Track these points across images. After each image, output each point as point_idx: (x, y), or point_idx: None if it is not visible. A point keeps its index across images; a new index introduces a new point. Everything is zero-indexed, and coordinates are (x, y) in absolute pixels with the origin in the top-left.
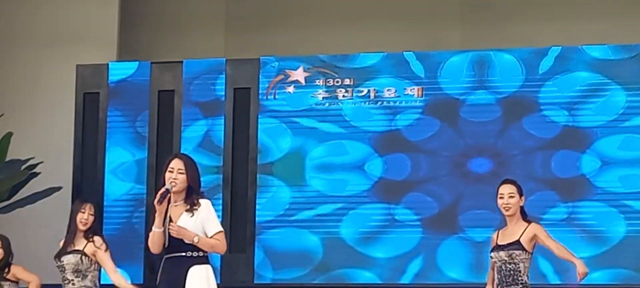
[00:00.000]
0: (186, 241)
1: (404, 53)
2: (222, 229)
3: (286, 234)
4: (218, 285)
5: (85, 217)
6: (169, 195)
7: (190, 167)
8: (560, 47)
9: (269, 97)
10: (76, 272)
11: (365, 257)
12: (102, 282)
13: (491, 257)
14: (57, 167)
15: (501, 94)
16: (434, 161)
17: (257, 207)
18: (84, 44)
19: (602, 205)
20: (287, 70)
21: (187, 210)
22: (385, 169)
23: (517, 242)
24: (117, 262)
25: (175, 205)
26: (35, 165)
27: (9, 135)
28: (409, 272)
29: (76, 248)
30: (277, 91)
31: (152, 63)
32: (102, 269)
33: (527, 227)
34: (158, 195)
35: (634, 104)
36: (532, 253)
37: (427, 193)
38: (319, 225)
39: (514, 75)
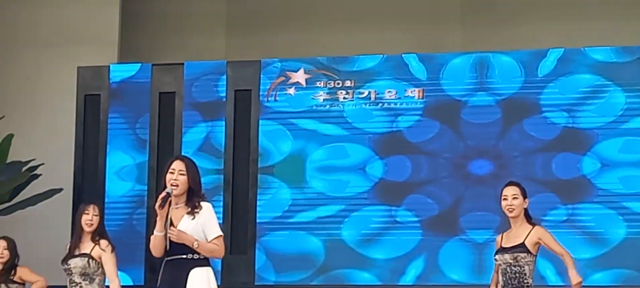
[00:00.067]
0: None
1: (406, 55)
2: (221, 233)
3: (288, 237)
4: (219, 286)
5: (89, 218)
6: (170, 199)
7: (191, 168)
8: (563, 49)
9: (269, 98)
10: (83, 275)
11: (365, 258)
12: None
13: (496, 260)
14: (58, 169)
15: (501, 96)
16: (435, 163)
17: (257, 207)
18: (85, 46)
19: (603, 207)
20: (288, 72)
21: (188, 213)
22: (385, 171)
23: (522, 244)
24: (118, 262)
25: (177, 208)
26: (36, 167)
27: (10, 136)
28: (410, 273)
29: (83, 251)
30: (278, 93)
31: (153, 65)
32: None
33: (531, 229)
34: (159, 200)
35: (633, 105)
36: (536, 256)
37: (428, 194)
38: (321, 227)
39: (513, 77)
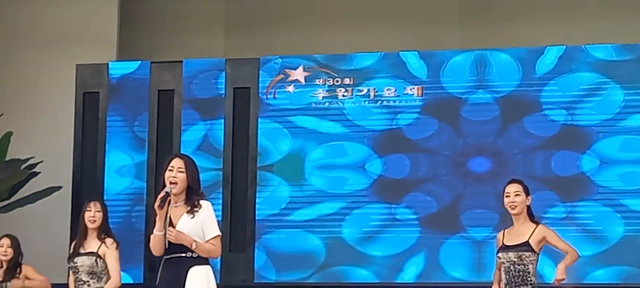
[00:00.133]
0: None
1: (406, 52)
2: (219, 233)
3: (288, 236)
4: (218, 285)
5: (92, 214)
6: (169, 198)
7: (191, 166)
8: (564, 47)
9: (268, 96)
10: (91, 273)
11: (364, 256)
12: None
13: (499, 258)
14: (57, 167)
15: (499, 93)
16: (434, 160)
17: (256, 204)
18: (84, 45)
19: (602, 205)
20: (287, 70)
21: (187, 212)
22: (385, 169)
23: (526, 243)
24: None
25: (176, 206)
26: (35, 165)
27: (9, 134)
28: (407, 270)
29: (90, 250)
30: (277, 90)
31: (152, 63)
32: None
33: (535, 228)
34: (158, 199)
35: (631, 103)
36: (539, 254)
37: (427, 192)
38: (321, 226)
39: (511, 75)
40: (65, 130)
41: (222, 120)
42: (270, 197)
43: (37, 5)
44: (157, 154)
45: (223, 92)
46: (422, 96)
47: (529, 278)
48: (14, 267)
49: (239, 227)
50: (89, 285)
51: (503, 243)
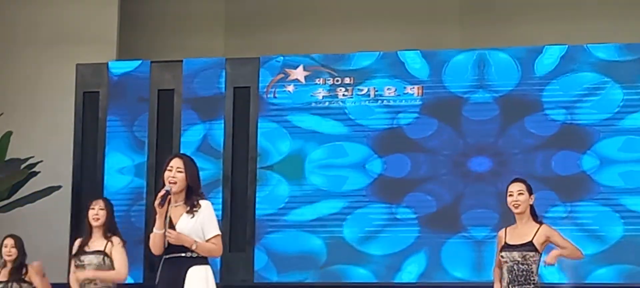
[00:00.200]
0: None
1: (407, 52)
2: (219, 233)
3: (289, 237)
4: (218, 285)
5: (95, 212)
6: (169, 197)
7: (190, 166)
8: (567, 47)
9: (268, 95)
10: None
11: (363, 255)
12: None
13: (502, 257)
14: (56, 166)
15: (498, 93)
16: (435, 160)
17: (256, 202)
18: (84, 45)
19: (601, 206)
20: (287, 69)
21: (187, 212)
22: (385, 168)
23: (530, 243)
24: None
25: (176, 206)
26: (35, 164)
27: (8, 134)
28: (410, 270)
29: (97, 248)
30: (277, 90)
31: (152, 62)
32: None
33: (539, 228)
34: (158, 198)
35: (630, 102)
36: (541, 254)
37: (428, 192)
38: (322, 226)
39: (511, 74)
40: (65, 130)
41: (222, 119)
42: (269, 195)
43: (37, 5)
44: (157, 154)
45: (223, 91)
46: (422, 95)
47: (531, 278)
48: (19, 267)
49: (238, 226)
50: (95, 284)
51: (506, 242)
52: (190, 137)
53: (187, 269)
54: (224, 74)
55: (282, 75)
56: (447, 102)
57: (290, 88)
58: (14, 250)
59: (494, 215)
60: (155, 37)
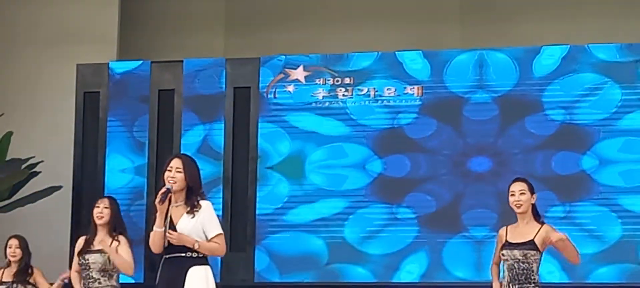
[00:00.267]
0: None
1: (408, 52)
2: (221, 232)
3: (291, 237)
4: (218, 284)
5: (99, 210)
6: (170, 194)
7: (189, 166)
8: (568, 47)
9: (269, 95)
10: (103, 271)
11: (363, 255)
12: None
13: (502, 254)
14: (57, 166)
15: (497, 93)
16: (434, 160)
17: (256, 202)
18: (84, 45)
19: (600, 206)
20: (287, 69)
21: (188, 212)
22: (385, 168)
23: (532, 242)
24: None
25: (176, 206)
26: (35, 164)
27: (9, 134)
28: (410, 270)
29: (102, 247)
30: (277, 90)
31: (152, 62)
32: None
33: (540, 228)
34: (159, 195)
35: (629, 102)
36: (542, 253)
37: (428, 192)
38: (323, 227)
39: (510, 74)
40: (65, 129)
41: (222, 120)
42: (269, 194)
43: (37, 5)
44: (157, 154)
45: (223, 91)
46: (422, 96)
47: (532, 276)
48: (24, 268)
49: (239, 226)
50: (99, 283)
51: (507, 240)
52: (190, 138)
53: (187, 269)
54: (224, 73)
55: (282, 75)
56: (447, 102)
57: (291, 88)
58: (18, 251)
59: (494, 215)
60: (156, 37)
